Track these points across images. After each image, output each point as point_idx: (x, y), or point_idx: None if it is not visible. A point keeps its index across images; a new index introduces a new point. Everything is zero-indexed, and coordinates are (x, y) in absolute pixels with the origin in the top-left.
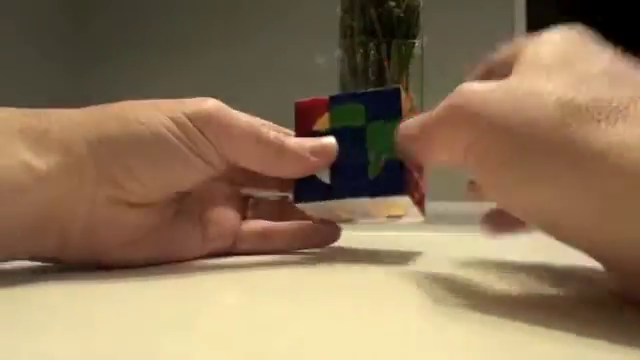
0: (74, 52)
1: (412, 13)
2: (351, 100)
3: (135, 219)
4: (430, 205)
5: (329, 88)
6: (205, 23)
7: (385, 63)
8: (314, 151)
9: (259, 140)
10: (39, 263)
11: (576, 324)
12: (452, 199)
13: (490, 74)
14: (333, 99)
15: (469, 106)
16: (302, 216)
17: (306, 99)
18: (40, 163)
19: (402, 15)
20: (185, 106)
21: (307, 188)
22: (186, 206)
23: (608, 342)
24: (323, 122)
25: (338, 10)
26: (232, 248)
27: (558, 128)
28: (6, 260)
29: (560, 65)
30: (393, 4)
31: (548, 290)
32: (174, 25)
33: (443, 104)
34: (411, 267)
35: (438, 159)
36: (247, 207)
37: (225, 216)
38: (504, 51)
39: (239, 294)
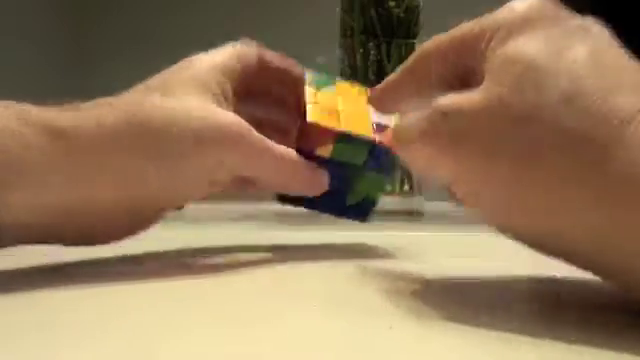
0: (74, 52)
1: (412, 13)
2: (356, 143)
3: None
4: (430, 205)
5: None
6: (205, 23)
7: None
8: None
9: (274, 157)
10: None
11: (582, 327)
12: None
13: (452, 77)
14: (340, 136)
15: (452, 133)
16: None
17: (319, 124)
18: None
19: (402, 15)
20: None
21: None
22: None
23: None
24: (325, 150)
25: (338, 10)
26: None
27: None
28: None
29: (555, 66)
30: (393, 4)
31: (547, 289)
32: (174, 25)
33: (425, 121)
34: (407, 268)
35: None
36: None
37: None
38: (462, 33)
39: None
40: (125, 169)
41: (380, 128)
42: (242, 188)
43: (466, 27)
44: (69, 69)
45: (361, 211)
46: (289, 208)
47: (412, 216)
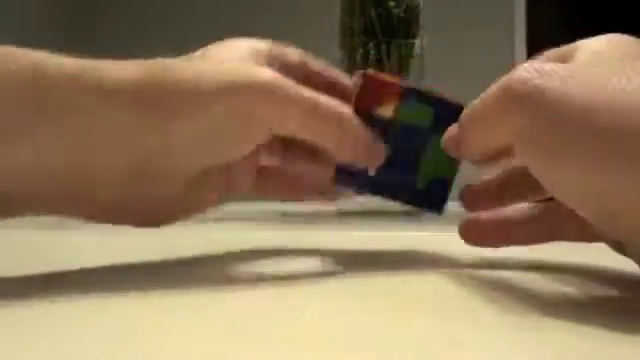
0: (74, 53)
1: (412, 13)
2: (423, 99)
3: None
4: None
5: None
6: (205, 23)
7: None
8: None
9: (315, 107)
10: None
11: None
12: (452, 199)
13: None
14: (407, 91)
15: (525, 88)
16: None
17: (379, 74)
18: None
19: (402, 15)
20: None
21: (350, 174)
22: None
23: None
24: (387, 109)
25: (338, 10)
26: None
27: (620, 116)
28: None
29: (618, 58)
30: (393, 4)
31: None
32: (174, 25)
33: (497, 85)
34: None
35: (481, 149)
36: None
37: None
38: (555, 52)
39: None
40: (133, 127)
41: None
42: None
43: None
44: None
45: (434, 197)
46: (289, 208)
47: (412, 216)
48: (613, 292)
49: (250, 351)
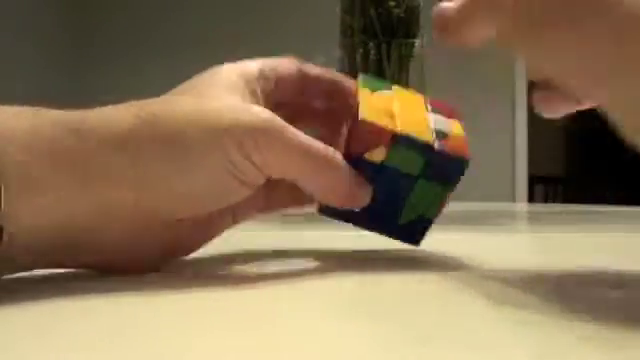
0: (74, 53)
1: (412, 13)
2: (415, 148)
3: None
4: None
5: None
6: (205, 24)
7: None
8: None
9: (308, 153)
10: None
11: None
12: (452, 199)
13: None
14: (397, 138)
15: None
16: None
17: (372, 122)
18: None
19: (402, 15)
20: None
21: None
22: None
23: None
24: (377, 153)
25: (338, 10)
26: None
27: None
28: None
29: None
30: (393, 4)
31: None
32: (174, 25)
33: None
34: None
35: (481, 32)
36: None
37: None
38: None
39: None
40: (143, 171)
41: (440, 136)
42: (279, 202)
43: None
44: (69, 70)
45: (414, 231)
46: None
47: None
48: (613, 292)
49: (250, 351)
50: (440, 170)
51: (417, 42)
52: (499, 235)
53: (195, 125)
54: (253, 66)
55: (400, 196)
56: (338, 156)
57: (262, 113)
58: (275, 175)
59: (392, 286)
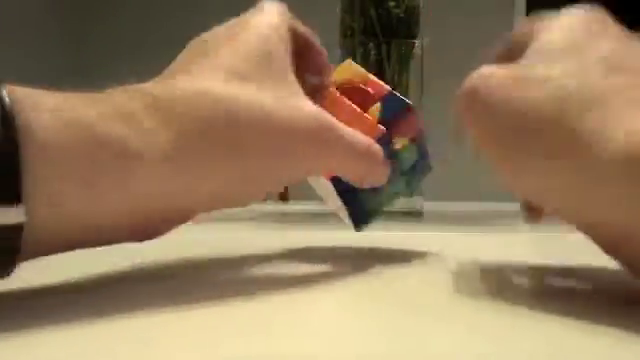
0: (74, 53)
1: (412, 13)
2: (423, 143)
3: None
4: (430, 205)
5: None
6: (204, 24)
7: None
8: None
9: (358, 154)
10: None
11: (600, 318)
12: (452, 199)
13: (509, 53)
14: (419, 133)
15: (478, 91)
16: None
17: (416, 117)
18: None
19: (402, 15)
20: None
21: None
22: None
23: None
24: (400, 142)
25: (338, 10)
26: None
27: (554, 114)
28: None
29: (567, 52)
30: (393, 4)
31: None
32: (174, 25)
33: (460, 89)
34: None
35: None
36: None
37: None
38: (521, 31)
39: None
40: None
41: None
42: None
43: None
44: (68, 72)
45: (367, 219)
46: (289, 209)
47: (412, 216)
48: (613, 289)
49: (250, 351)
50: (419, 167)
51: (417, 42)
52: (499, 235)
53: (266, 134)
54: (286, 24)
55: (382, 186)
56: (376, 147)
57: (317, 114)
58: (321, 172)
59: (397, 285)
